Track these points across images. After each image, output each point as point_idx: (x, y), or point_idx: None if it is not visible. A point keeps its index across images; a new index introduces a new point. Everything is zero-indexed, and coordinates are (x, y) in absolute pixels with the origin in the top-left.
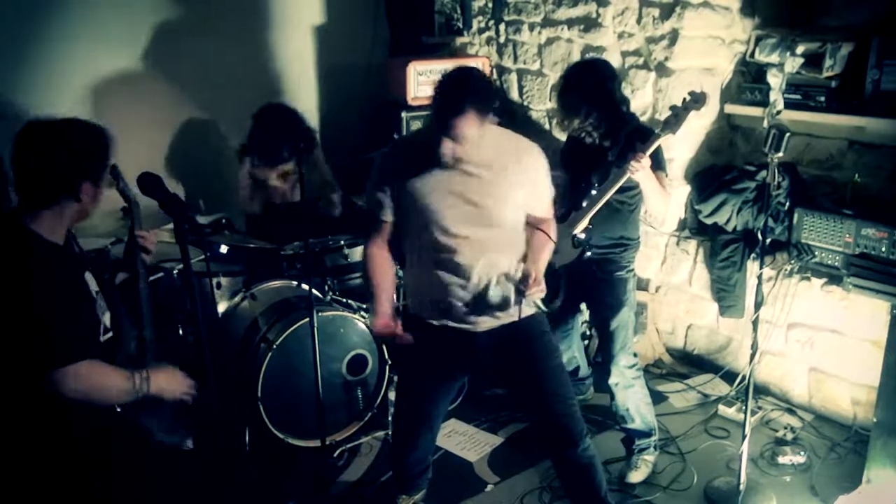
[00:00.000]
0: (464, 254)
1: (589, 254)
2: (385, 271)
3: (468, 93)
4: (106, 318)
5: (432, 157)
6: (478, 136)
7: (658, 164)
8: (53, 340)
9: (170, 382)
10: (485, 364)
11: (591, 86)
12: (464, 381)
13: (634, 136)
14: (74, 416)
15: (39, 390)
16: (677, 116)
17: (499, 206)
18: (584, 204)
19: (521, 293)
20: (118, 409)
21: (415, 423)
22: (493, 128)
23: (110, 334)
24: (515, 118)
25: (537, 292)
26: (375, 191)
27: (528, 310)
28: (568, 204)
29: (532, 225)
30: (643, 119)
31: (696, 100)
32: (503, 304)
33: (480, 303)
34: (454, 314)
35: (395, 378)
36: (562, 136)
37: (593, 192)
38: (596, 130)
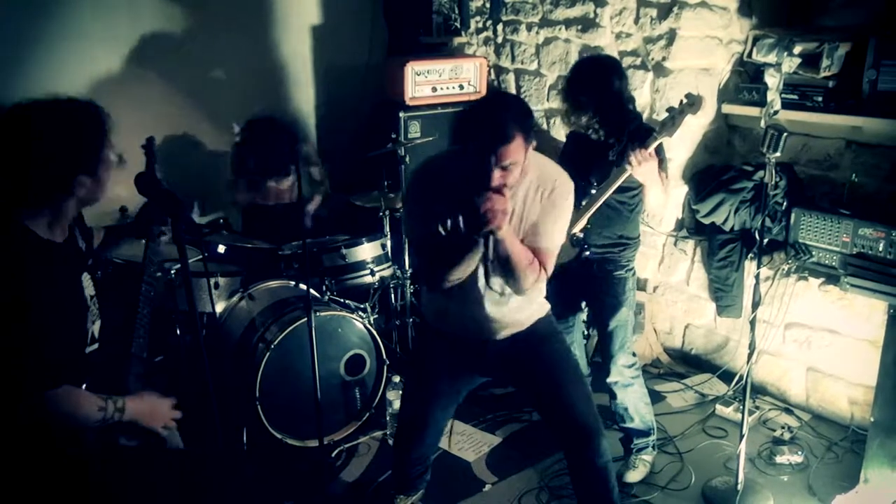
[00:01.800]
0: (482, 277)
1: (587, 253)
2: None
3: (511, 116)
4: (95, 328)
5: (474, 187)
6: (524, 161)
7: (660, 163)
8: (38, 363)
9: (147, 412)
10: (496, 368)
11: (601, 82)
12: (473, 385)
13: (635, 136)
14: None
15: (23, 410)
16: (673, 119)
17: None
18: (583, 203)
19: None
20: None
21: (419, 424)
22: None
23: (96, 346)
24: None
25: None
26: (420, 224)
27: (539, 314)
28: None
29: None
30: None
31: (692, 103)
32: (518, 317)
33: (497, 319)
34: (470, 327)
35: (395, 379)
36: (560, 136)
37: (593, 191)
38: (603, 128)
